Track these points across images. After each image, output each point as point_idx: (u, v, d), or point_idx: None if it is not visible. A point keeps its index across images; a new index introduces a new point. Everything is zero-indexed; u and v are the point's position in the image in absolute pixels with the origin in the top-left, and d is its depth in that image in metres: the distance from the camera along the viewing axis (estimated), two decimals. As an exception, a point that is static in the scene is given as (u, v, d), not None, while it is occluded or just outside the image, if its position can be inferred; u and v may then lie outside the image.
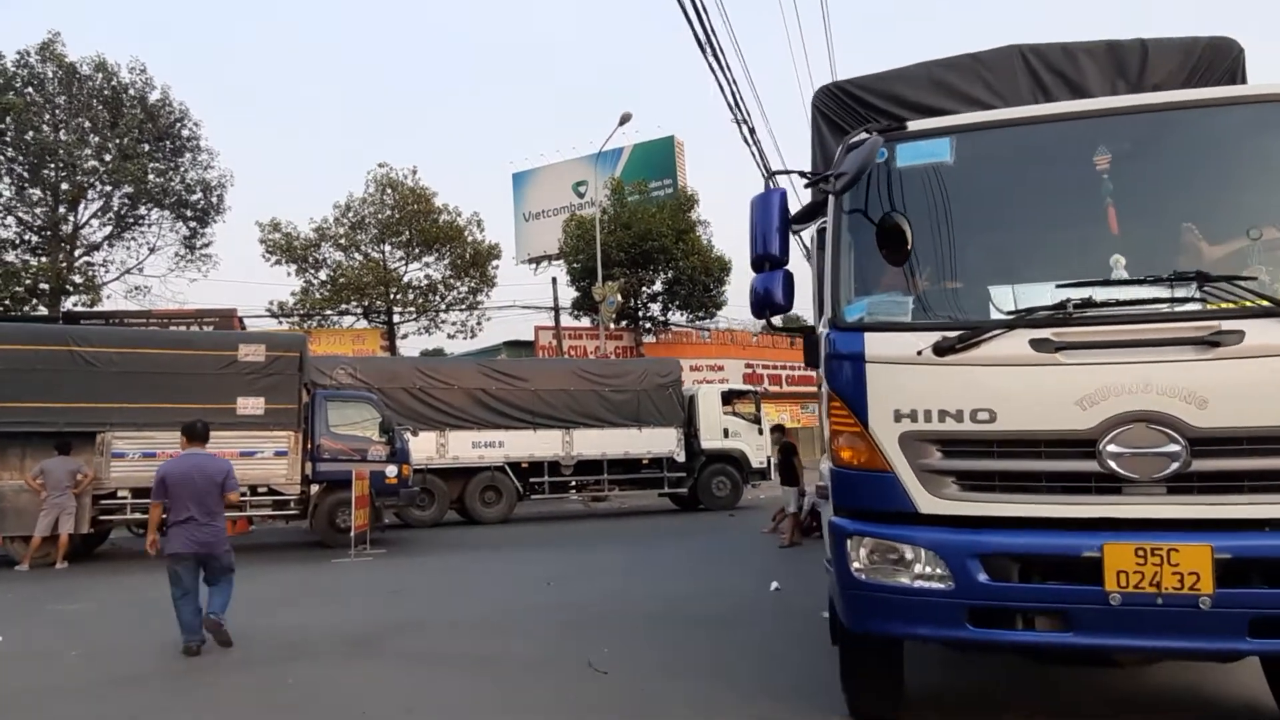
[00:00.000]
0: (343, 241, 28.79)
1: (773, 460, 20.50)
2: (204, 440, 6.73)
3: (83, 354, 12.29)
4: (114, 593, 9.40)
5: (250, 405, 12.82)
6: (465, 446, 17.79)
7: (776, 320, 4.29)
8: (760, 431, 20.45)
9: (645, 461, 19.12)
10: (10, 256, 24.03)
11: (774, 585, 8.20)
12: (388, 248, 29.37)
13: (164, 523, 6.39)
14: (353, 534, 11.80)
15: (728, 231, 77.38)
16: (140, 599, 8.67)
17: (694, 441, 19.68)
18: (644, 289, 32.81)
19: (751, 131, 12.74)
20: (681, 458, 19.31)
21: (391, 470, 13.65)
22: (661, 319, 34.45)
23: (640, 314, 33.75)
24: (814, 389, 39.98)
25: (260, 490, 12.94)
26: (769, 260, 4.06)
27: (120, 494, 12.29)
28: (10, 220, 24.35)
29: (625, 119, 27.08)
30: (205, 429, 6.81)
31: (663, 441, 19.15)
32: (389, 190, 28.76)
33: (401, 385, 17.58)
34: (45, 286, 23.84)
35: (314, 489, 13.33)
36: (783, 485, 12.05)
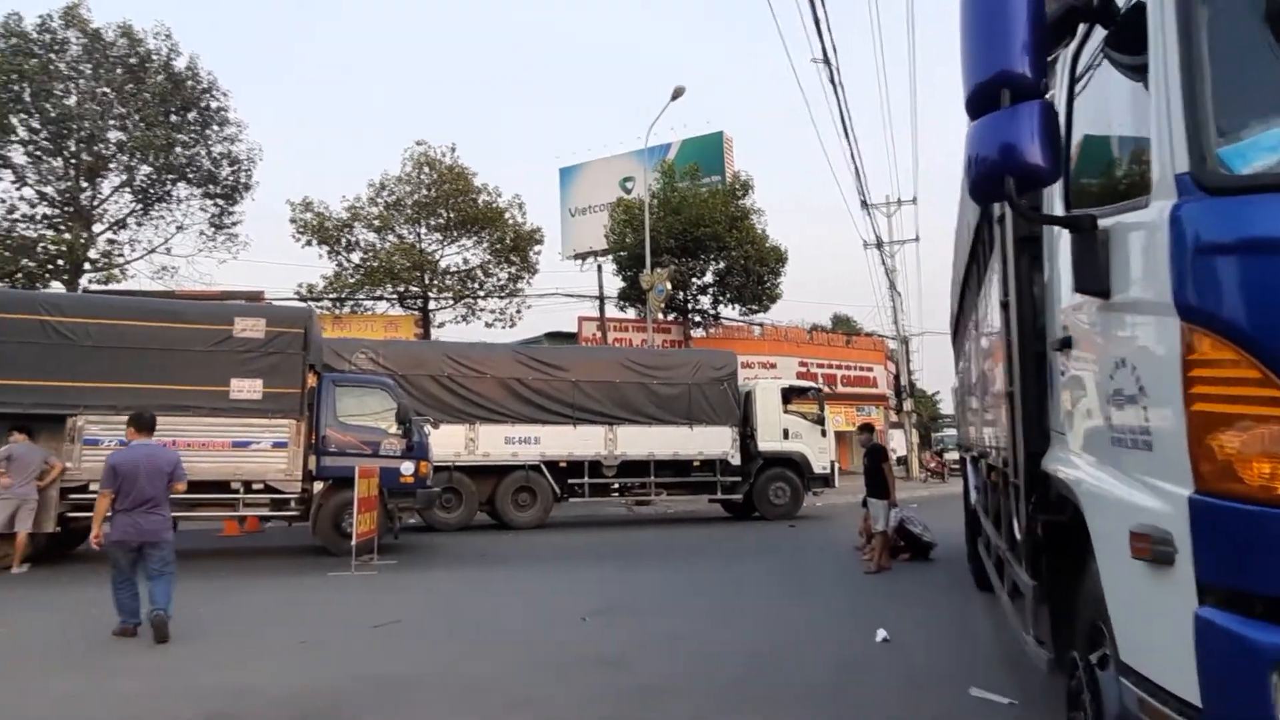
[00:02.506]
0: (376, 222, 27.21)
1: (835, 465, 18.53)
2: (151, 430, 6.94)
3: (54, 325, 10.65)
4: (50, 609, 7.62)
5: (246, 388, 11.10)
6: (497, 442, 16.00)
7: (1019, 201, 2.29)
8: (824, 433, 18.39)
9: (696, 464, 17.18)
10: (27, 230, 22.89)
11: (881, 635, 6.17)
12: (423, 229, 27.73)
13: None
14: (354, 543, 9.96)
15: (782, 223, 75.02)
16: (79, 620, 6.92)
17: (750, 443, 17.69)
18: (693, 280, 30.83)
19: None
20: (736, 460, 17.33)
21: (407, 467, 11.83)
22: (712, 312, 32.45)
23: (689, 306, 31.78)
24: (870, 390, 37.99)
25: (256, 487, 11.20)
26: (1010, 85, 2.11)
27: (92, 487, 10.56)
28: (26, 191, 23.22)
29: (678, 93, 25.15)
30: (153, 419, 7.07)
31: (716, 442, 17.18)
32: (425, 169, 27.12)
33: (428, 372, 15.86)
34: (62, 263, 22.62)
35: (317, 486, 11.56)
36: (869, 497, 9.98)
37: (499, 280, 28.79)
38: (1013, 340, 3.84)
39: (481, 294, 28.70)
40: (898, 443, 35.66)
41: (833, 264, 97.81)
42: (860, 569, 9.97)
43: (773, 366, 32.12)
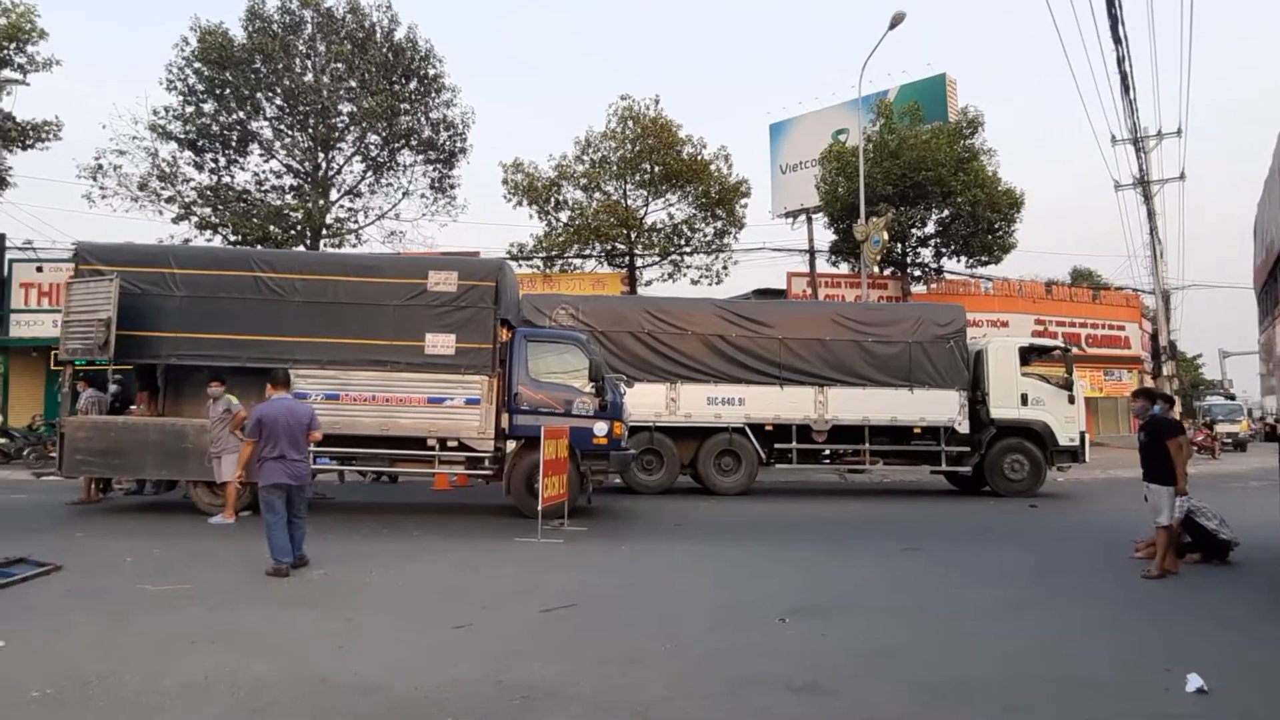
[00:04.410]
0: (583, 180, 27.06)
1: (1084, 436, 15.92)
2: (288, 386, 7.85)
3: (266, 280, 10.95)
4: (228, 566, 7.51)
5: (440, 343, 10.89)
6: (699, 402, 15.14)
7: None
8: (1071, 399, 15.87)
9: (917, 431, 15.41)
10: (275, 200, 24.83)
11: (1193, 683, 4.48)
12: (629, 186, 27.25)
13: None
14: (539, 508, 9.42)
15: (1014, 167, 67.98)
16: (251, 579, 6.79)
17: (981, 409, 15.61)
18: (913, 230, 28.23)
19: None
20: (965, 428, 15.35)
21: (601, 428, 11.17)
22: (934, 265, 29.66)
23: (909, 259, 29.21)
24: (1120, 352, 33.49)
25: (451, 444, 11.01)
26: None
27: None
28: (273, 163, 25.16)
29: (897, 20, 22.70)
30: (288, 376, 8.16)
31: (940, 407, 15.30)
32: (629, 123, 26.51)
33: (627, 329, 15.23)
34: (302, 229, 24.35)
35: (510, 445, 11.20)
36: (1147, 481, 8.02)
37: (705, 235, 27.87)
38: None
39: (687, 250, 27.93)
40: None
41: (1072, 211, 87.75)
42: (1132, 569, 8.08)
43: (1004, 325, 28.94)
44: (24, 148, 23.60)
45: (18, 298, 24.03)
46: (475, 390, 10.91)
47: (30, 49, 22.56)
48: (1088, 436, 16.10)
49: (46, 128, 23.22)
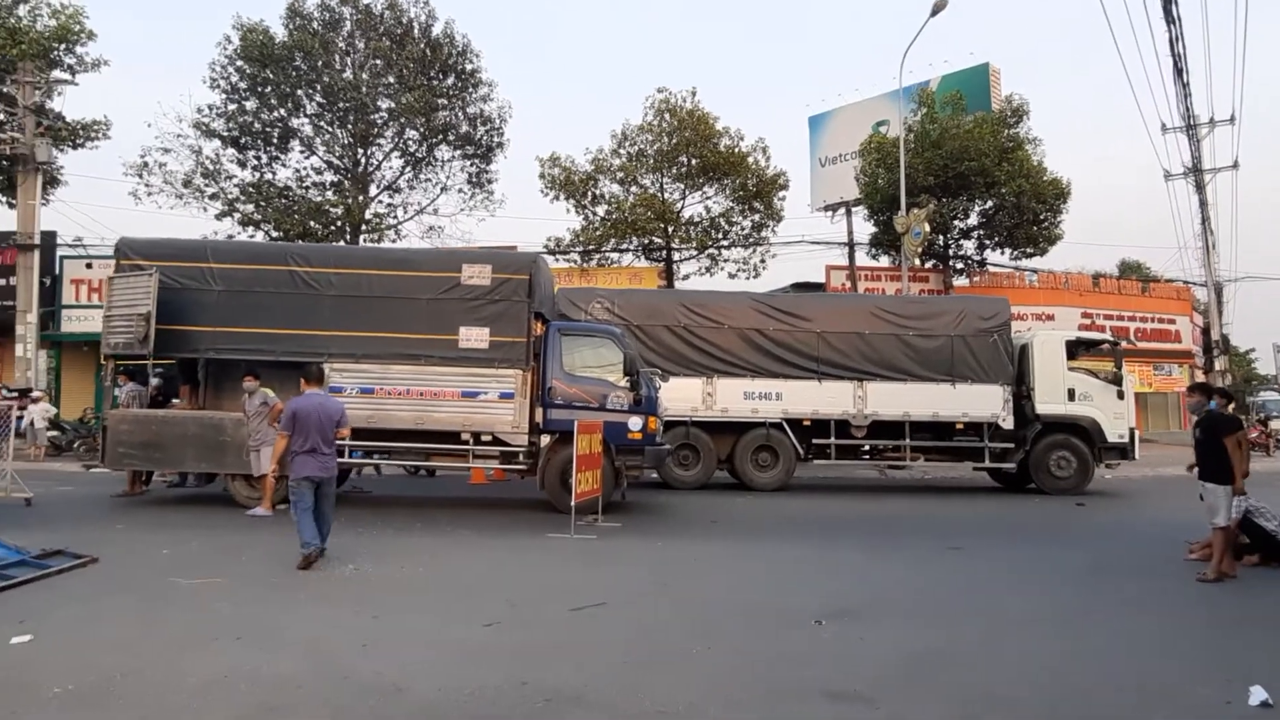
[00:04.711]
0: (620, 174, 26.91)
1: (1134, 433, 15.40)
2: (321, 382, 8.03)
3: (302, 274, 10.99)
4: (263, 560, 7.50)
5: (474, 337, 10.83)
6: (736, 397, 14.94)
7: None
8: (1120, 395, 15.37)
9: (960, 426, 15.04)
10: (315, 196, 25.07)
11: (1257, 696, 4.20)
12: (665, 179, 27.04)
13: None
14: (572, 503, 9.31)
15: (1063, 156, 66.08)
16: (281, 572, 6.77)
17: (1026, 404, 15.18)
18: (956, 221, 27.64)
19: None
20: (1009, 424, 14.95)
21: (635, 422, 11.05)
22: (976, 258, 29.01)
23: (950, 252, 28.61)
24: (1170, 346, 32.35)
25: (485, 439, 10.96)
26: None
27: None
28: (313, 160, 25.42)
29: (938, 8, 22.23)
30: (321, 372, 8.37)
31: (984, 402, 14.91)
32: (666, 116, 26.29)
33: (663, 323, 15.08)
34: (341, 224, 24.56)
35: (544, 440, 11.11)
36: (1203, 480, 7.68)
37: (742, 229, 27.57)
38: None
39: (725, 244, 27.65)
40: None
41: (1119, 202, 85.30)
42: (1187, 572, 7.73)
43: (1050, 319, 28.21)
44: (74, 147, 24.17)
45: (69, 294, 24.62)
46: (509, 384, 10.84)
47: (79, 50, 23.08)
48: (1137, 433, 15.58)
49: (95, 127, 23.73)
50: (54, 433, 20.36)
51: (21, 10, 22.97)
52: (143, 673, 4.43)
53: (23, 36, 21.77)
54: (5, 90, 21.80)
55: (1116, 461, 15.51)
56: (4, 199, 23.55)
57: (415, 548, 8.33)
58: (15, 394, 21.05)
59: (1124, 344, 18.56)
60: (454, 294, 10.92)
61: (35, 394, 20.40)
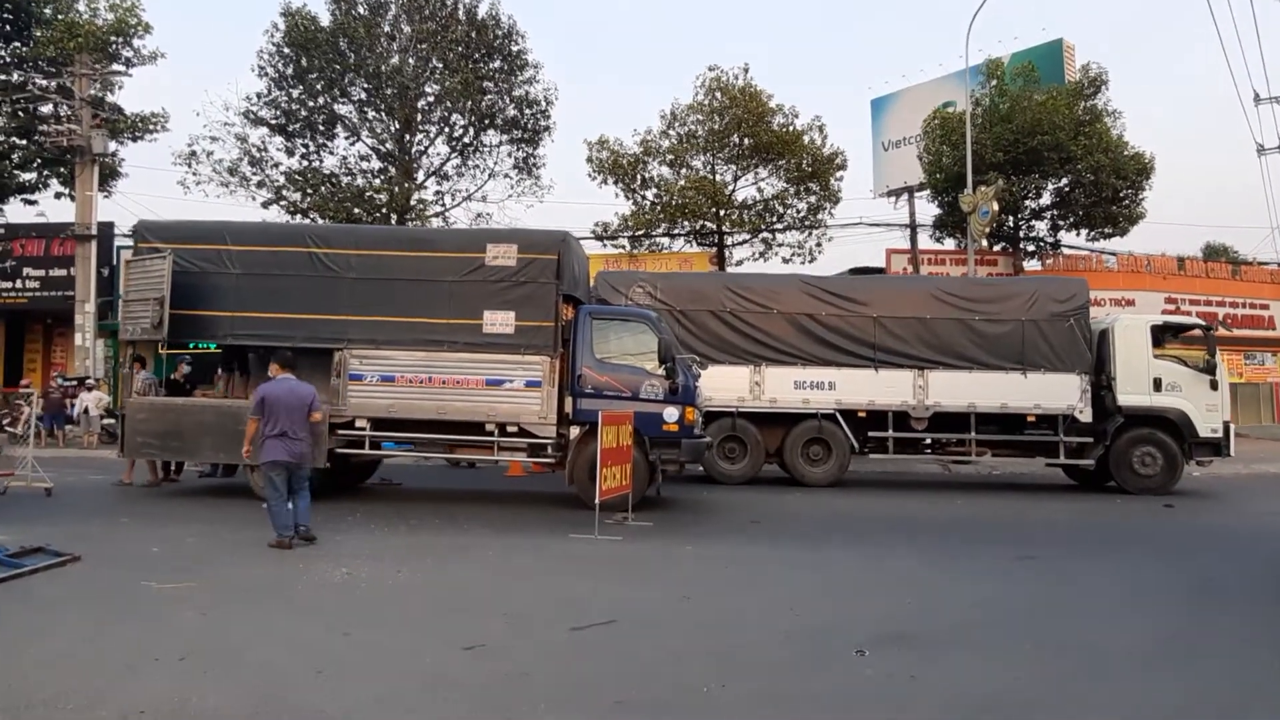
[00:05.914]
0: (669, 156, 26.00)
1: (1229, 427, 13.98)
2: (294, 368, 8.12)
3: (321, 256, 10.45)
4: (260, 560, 6.92)
5: (499, 321, 10.15)
6: (786, 387, 14.00)
7: None
8: (1214, 385, 13.94)
9: (1031, 419, 13.82)
10: (360, 183, 24.82)
11: None
12: (717, 161, 26.04)
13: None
14: (597, 500, 8.54)
15: (1146, 129, 62.30)
16: (273, 574, 6.15)
17: (1106, 395, 13.87)
18: (1027, 201, 26.01)
19: None
20: (1087, 416, 13.68)
21: (671, 414, 10.22)
22: (1050, 239, 27.31)
23: (1021, 234, 26.98)
24: (1264, 333, 30.11)
25: (510, 430, 10.27)
26: None
27: (359, 424, 10.32)
28: (359, 146, 25.15)
29: (1013, -29, 20.67)
30: (294, 358, 8.37)
31: (1058, 392, 13.67)
32: (717, 94, 25.27)
33: (708, 307, 14.20)
34: (386, 211, 24.25)
35: (573, 431, 10.38)
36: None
37: (797, 211, 26.40)
38: None
39: (779, 227, 26.52)
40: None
41: (1206, 179, 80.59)
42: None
43: (1130, 304, 26.44)
44: (134, 139, 24.38)
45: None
46: (536, 372, 10.12)
47: (136, 42, 23.22)
48: (1232, 427, 14.15)
49: (154, 119, 23.89)
50: (109, 420, 20.50)
51: (81, 4, 23.23)
52: (64, 698, 3.83)
53: (80, 30, 21.92)
54: (62, 83, 22.00)
55: (1209, 458, 14.09)
56: (64, 191, 23.87)
57: (421, 548, 7.68)
58: (73, 382, 21.36)
59: (1215, 330, 17.01)
60: (477, 275, 10.24)
61: (90, 382, 20.58)
